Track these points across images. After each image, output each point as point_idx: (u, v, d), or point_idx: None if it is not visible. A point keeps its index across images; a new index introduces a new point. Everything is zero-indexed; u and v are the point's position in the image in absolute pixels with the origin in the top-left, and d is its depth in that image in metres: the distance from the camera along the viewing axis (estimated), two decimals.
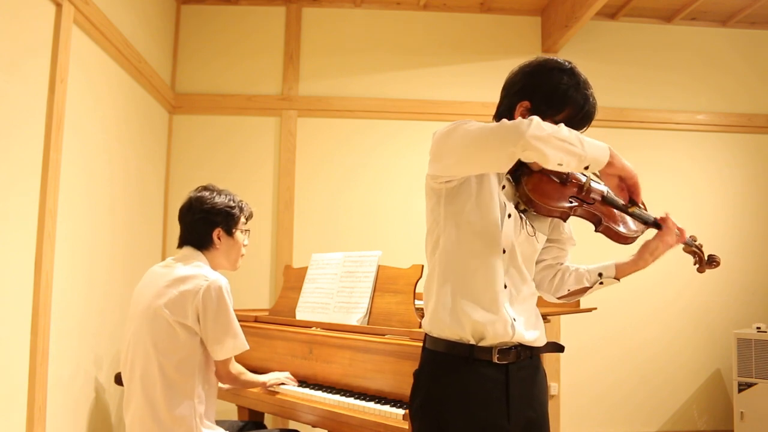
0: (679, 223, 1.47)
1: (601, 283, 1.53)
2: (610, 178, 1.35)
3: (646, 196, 1.42)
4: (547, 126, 1.25)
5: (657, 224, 1.46)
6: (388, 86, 3.89)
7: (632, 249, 1.52)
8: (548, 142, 1.24)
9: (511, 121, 1.28)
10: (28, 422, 2.07)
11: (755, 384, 3.45)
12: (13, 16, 1.98)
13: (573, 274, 1.58)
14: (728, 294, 3.96)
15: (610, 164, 1.30)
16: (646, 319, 3.89)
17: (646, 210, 1.45)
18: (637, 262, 1.49)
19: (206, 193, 2.04)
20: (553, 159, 1.25)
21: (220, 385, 2.06)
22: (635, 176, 1.35)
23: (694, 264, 1.50)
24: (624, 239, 1.46)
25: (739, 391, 3.51)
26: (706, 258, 1.50)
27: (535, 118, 1.26)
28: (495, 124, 1.31)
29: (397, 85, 3.90)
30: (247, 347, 1.96)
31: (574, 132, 1.28)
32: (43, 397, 2.14)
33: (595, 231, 1.46)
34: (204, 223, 2.01)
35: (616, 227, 1.45)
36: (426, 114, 3.84)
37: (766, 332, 3.47)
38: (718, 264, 1.48)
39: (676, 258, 4.01)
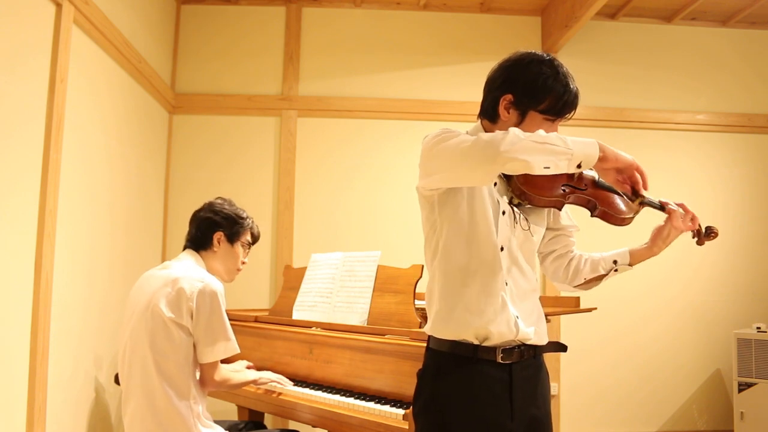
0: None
1: (616, 270, 1.55)
2: (607, 173, 1.32)
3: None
4: (524, 133, 1.24)
5: (663, 208, 1.46)
6: (388, 86, 3.89)
7: (638, 235, 1.52)
8: (528, 149, 1.22)
9: (487, 136, 1.26)
10: (28, 422, 2.07)
11: (755, 384, 3.45)
12: (13, 16, 1.98)
13: (588, 263, 1.59)
14: (728, 294, 3.96)
15: (603, 158, 1.28)
16: (646, 319, 3.89)
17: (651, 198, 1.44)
18: (651, 249, 1.51)
19: (220, 200, 2.14)
20: (538, 164, 1.23)
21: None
22: (633, 163, 1.30)
23: (693, 237, 1.51)
24: (620, 221, 1.47)
25: (739, 391, 3.51)
26: (704, 230, 1.50)
27: (512, 130, 1.25)
28: (472, 140, 1.29)
29: (397, 85, 3.90)
30: (238, 350, 1.95)
31: (554, 134, 1.27)
32: (43, 397, 2.14)
33: (591, 216, 1.47)
34: (209, 222, 2.08)
35: (611, 211, 1.45)
36: (426, 114, 3.84)
37: (766, 332, 3.46)
38: (716, 235, 1.49)
39: (676, 258, 3.99)
